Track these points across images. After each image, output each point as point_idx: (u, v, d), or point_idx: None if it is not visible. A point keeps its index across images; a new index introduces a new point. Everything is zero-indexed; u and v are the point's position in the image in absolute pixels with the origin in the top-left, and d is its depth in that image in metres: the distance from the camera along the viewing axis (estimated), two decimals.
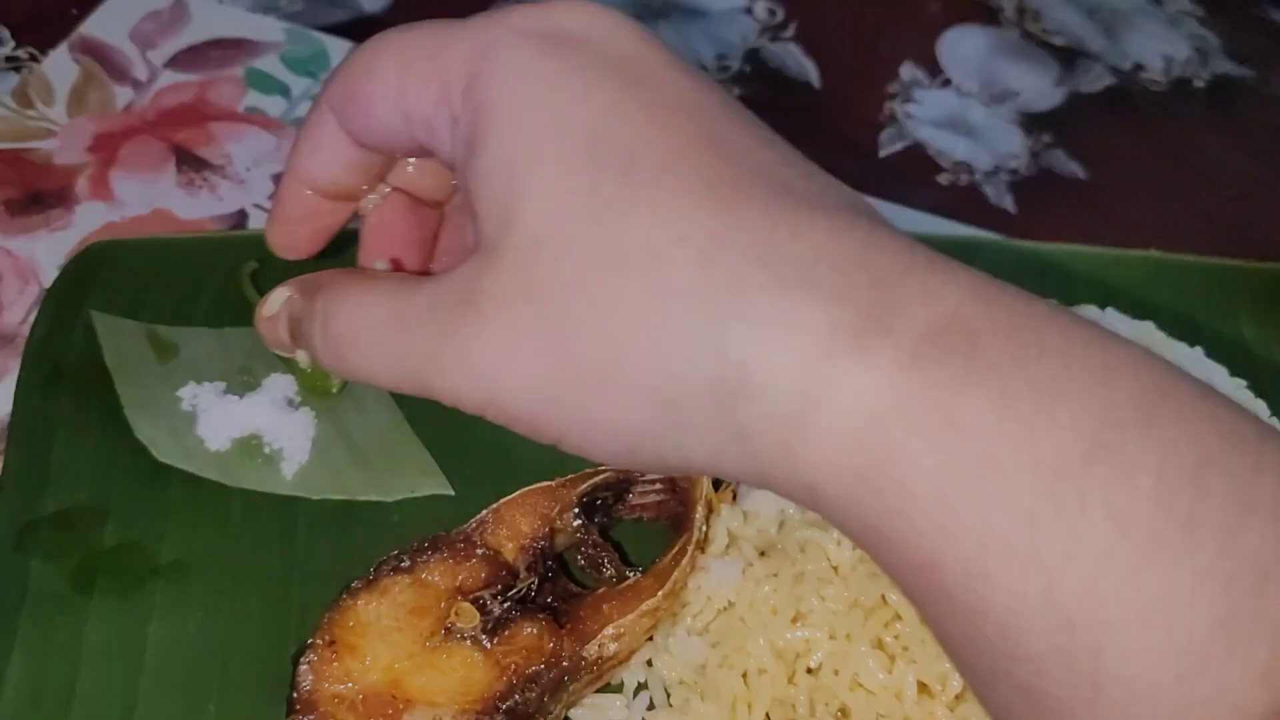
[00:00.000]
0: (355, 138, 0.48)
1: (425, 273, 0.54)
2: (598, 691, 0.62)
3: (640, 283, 0.38)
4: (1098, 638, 0.32)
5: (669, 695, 0.63)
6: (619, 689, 0.63)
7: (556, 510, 0.64)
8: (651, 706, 0.62)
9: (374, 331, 0.45)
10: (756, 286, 0.36)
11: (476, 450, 0.70)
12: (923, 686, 0.60)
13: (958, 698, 0.60)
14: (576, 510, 0.64)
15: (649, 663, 0.64)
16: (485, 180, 0.41)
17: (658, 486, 0.67)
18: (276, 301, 0.51)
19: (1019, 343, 0.34)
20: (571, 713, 0.61)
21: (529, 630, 0.59)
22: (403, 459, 0.69)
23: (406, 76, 0.44)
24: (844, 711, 0.60)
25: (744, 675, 0.62)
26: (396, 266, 0.53)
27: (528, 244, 0.39)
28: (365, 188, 0.52)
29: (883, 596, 0.61)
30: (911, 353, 0.34)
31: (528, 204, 0.39)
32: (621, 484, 0.66)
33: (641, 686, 0.63)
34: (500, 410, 0.41)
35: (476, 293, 0.40)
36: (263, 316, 0.51)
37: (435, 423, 0.71)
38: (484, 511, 0.63)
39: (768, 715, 0.61)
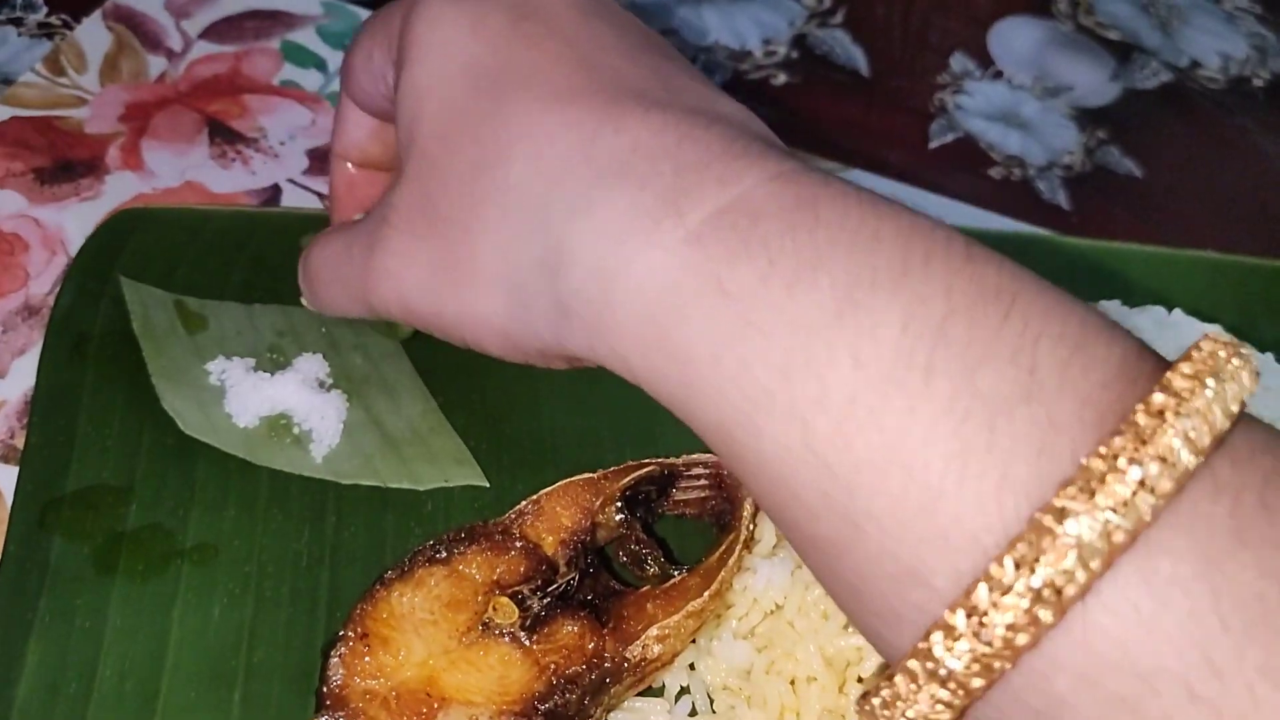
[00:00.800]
0: (362, 108, 0.56)
1: None
2: (638, 695, 0.60)
3: (489, 180, 0.43)
4: (850, 479, 0.34)
5: (712, 701, 0.60)
6: (660, 692, 0.60)
7: (599, 503, 0.61)
8: (694, 712, 0.60)
9: (329, 265, 0.54)
10: (576, 177, 0.40)
11: (511, 441, 0.68)
12: None
13: None
14: (619, 504, 0.62)
15: (691, 666, 0.61)
16: (399, 111, 0.48)
17: (703, 482, 0.65)
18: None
19: (796, 218, 0.36)
20: (611, 716, 0.58)
21: (569, 628, 0.56)
22: (436, 447, 0.66)
23: (372, 43, 0.52)
24: None
25: (792, 683, 0.59)
26: None
27: (420, 160, 0.46)
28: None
29: None
30: (696, 232, 0.37)
31: (421, 125, 0.46)
32: (666, 478, 0.63)
33: (684, 691, 0.61)
34: (410, 312, 0.48)
35: (389, 209, 0.48)
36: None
37: (470, 411, 0.69)
38: (523, 503, 0.61)
39: None
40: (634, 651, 0.56)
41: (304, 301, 0.60)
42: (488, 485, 0.65)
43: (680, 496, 0.65)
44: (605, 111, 0.41)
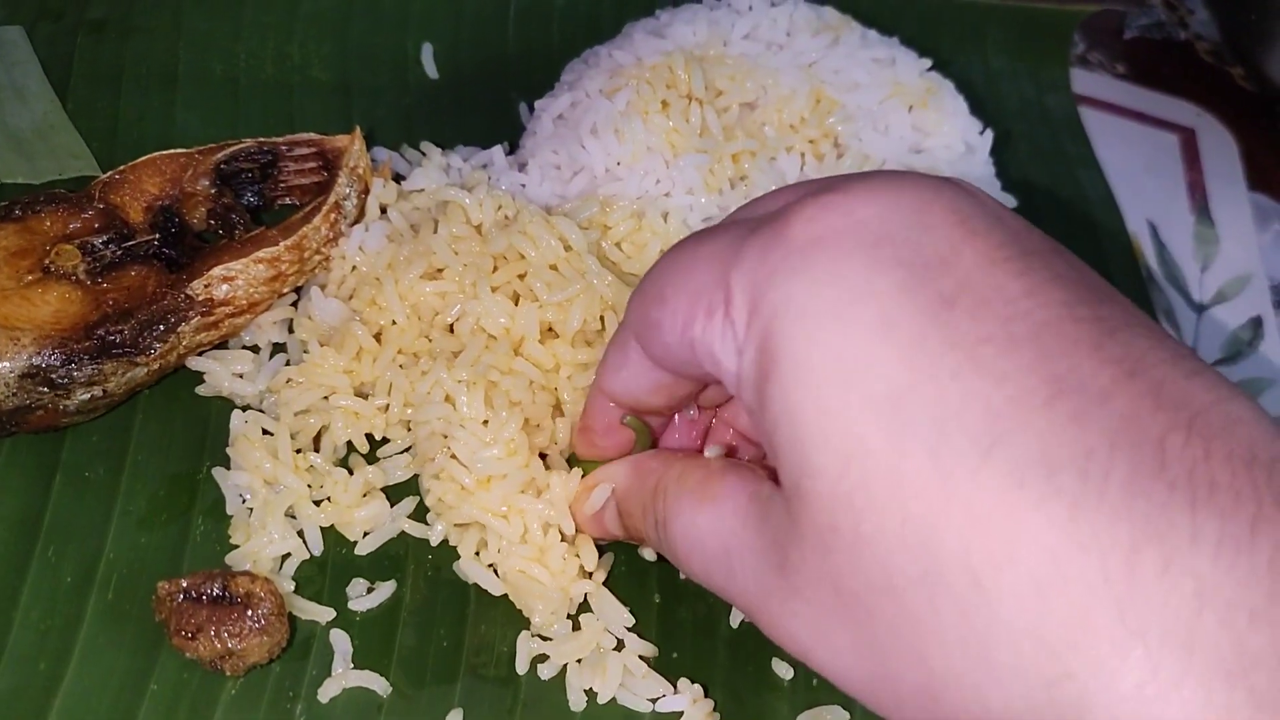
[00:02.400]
0: (657, 364, 0.45)
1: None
2: (230, 347, 0.62)
3: (958, 608, 0.31)
4: None
5: (306, 350, 0.62)
6: (254, 349, 0.62)
7: (190, 175, 0.63)
8: (289, 363, 0.62)
9: (706, 557, 0.43)
10: (1108, 640, 0.28)
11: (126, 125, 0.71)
12: (550, 329, 0.60)
13: (580, 334, 0.59)
14: (213, 178, 0.63)
15: (291, 329, 0.63)
16: (775, 430, 0.35)
17: (312, 164, 0.66)
18: (599, 499, 0.52)
19: None
20: (193, 361, 0.60)
21: (135, 272, 0.58)
22: (55, 144, 0.68)
23: (694, 304, 0.39)
24: (501, 369, 0.59)
25: (378, 333, 0.61)
26: (729, 452, 0.51)
27: (822, 525, 0.34)
28: (673, 406, 0.49)
29: (519, 253, 0.60)
30: None
31: (816, 481, 0.34)
32: (266, 154, 0.65)
33: (279, 348, 0.63)
34: (819, 669, 0.38)
35: (786, 561, 0.37)
36: (586, 514, 0.53)
37: (95, 117, 0.71)
38: (110, 172, 0.62)
39: (403, 368, 0.60)
40: (196, 288, 0.58)
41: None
42: (100, 174, 0.67)
43: (292, 182, 0.66)
44: (1129, 515, 0.29)
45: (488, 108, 0.77)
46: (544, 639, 0.55)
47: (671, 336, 0.40)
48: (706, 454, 0.50)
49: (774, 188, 0.66)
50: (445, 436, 0.55)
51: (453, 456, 0.55)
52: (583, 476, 0.55)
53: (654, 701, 0.54)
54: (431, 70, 0.78)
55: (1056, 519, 0.30)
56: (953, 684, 0.32)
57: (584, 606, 0.56)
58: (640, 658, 0.55)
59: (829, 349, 0.33)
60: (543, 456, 0.57)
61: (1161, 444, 0.30)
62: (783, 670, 0.56)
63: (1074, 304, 0.33)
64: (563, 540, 0.55)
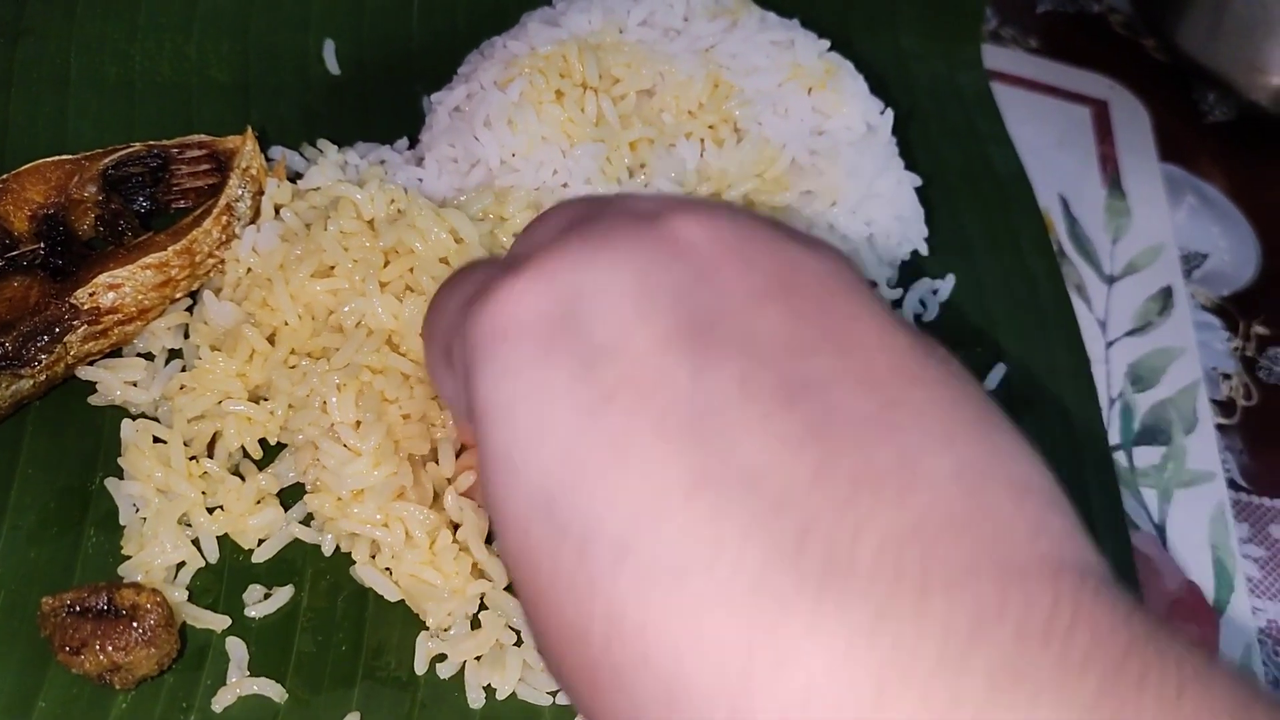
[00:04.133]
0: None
1: None
2: (124, 356, 0.61)
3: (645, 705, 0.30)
4: None
5: (200, 355, 0.61)
6: (150, 357, 0.61)
7: (76, 182, 0.62)
8: (185, 369, 0.61)
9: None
10: None
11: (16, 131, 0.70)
12: None
13: None
14: (100, 184, 0.62)
15: (186, 335, 0.62)
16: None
17: (205, 166, 0.65)
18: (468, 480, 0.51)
19: None
20: (83, 370, 0.59)
21: (18, 283, 0.57)
22: None
23: (433, 356, 0.39)
24: (373, 368, 0.58)
25: (272, 335, 0.61)
26: None
27: (517, 589, 0.34)
28: None
29: (409, 248, 0.60)
30: None
31: (505, 549, 0.33)
32: (155, 157, 0.64)
33: (174, 354, 0.62)
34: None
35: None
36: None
37: None
38: None
39: (295, 368, 0.59)
40: (81, 297, 0.57)
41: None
42: None
43: (185, 185, 0.65)
44: (754, 625, 0.28)
45: (392, 103, 0.76)
46: (442, 638, 0.55)
47: (435, 376, 0.40)
48: None
49: (673, 174, 0.67)
50: (316, 446, 0.55)
51: (324, 467, 0.54)
52: None
53: (554, 694, 0.54)
54: (334, 66, 0.77)
55: (684, 617, 0.29)
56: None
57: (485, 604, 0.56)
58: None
59: (498, 448, 0.33)
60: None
61: (804, 534, 0.28)
62: None
63: (752, 374, 0.31)
64: (454, 541, 0.54)
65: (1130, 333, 0.75)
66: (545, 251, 0.34)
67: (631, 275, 0.33)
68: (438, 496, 0.57)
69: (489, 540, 0.55)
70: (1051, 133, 0.85)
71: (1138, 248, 0.80)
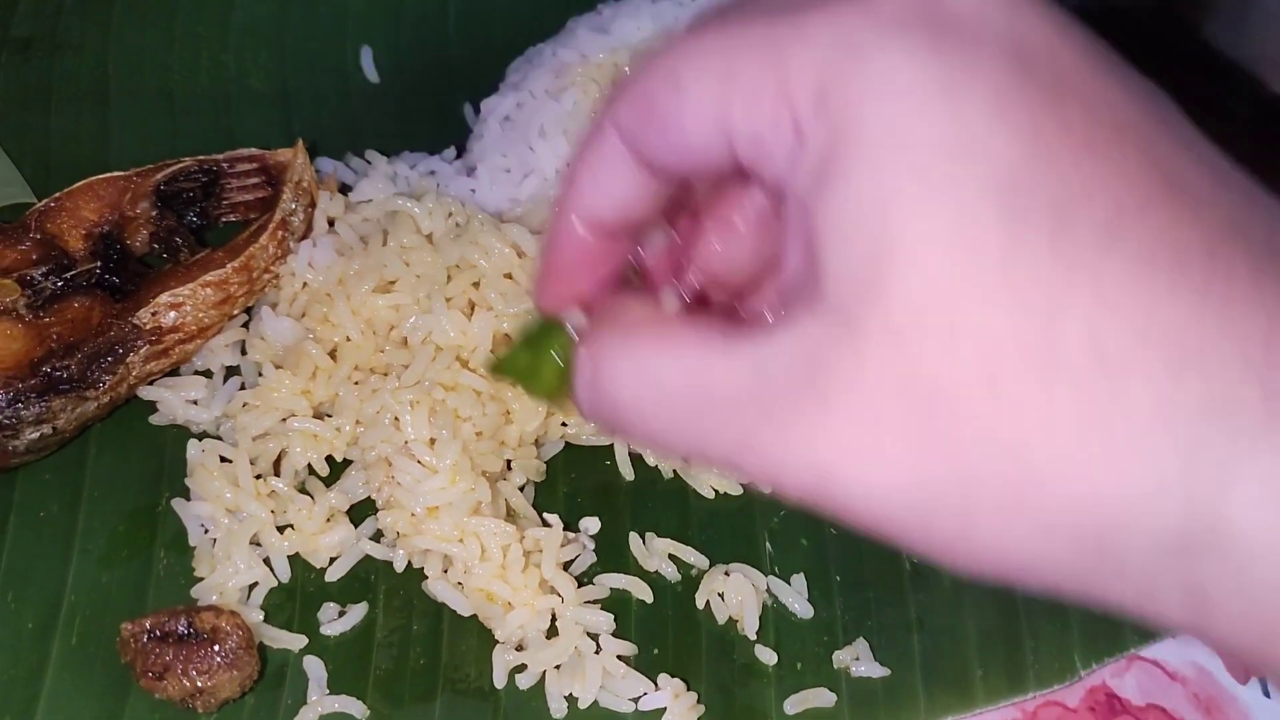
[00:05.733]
0: (650, 161, 0.37)
1: (731, 309, 0.42)
2: (182, 374, 0.60)
3: (1079, 395, 0.29)
4: None
5: (261, 373, 0.60)
6: (207, 374, 0.61)
7: (129, 198, 0.61)
8: (243, 387, 0.60)
9: (668, 405, 0.36)
10: (1253, 420, 0.28)
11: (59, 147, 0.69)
12: (505, 338, 0.59)
13: None
14: (154, 200, 0.62)
15: (244, 352, 0.62)
16: (843, 223, 0.31)
17: (255, 180, 0.65)
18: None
19: None
20: (144, 390, 0.59)
21: (79, 303, 0.57)
22: None
23: (729, 84, 0.34)
24: (445, 386, 0.58)
25: (333, 350, 0.60)
26: (696, 300, 0.40)
27: (907, 321, 0.30)
28: (649, 221, 0.40)
29: (471, 263, 0.60)
30: None
31: (910, 269, 0.30)
32: (207, 172, 0.63)
33: (232, 371, 0.61)
34: (840, 507, 0.33)
35: (825, 375, 0.31)
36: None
37: (28, 138, 0.69)
38: (45, 200, 0.60)
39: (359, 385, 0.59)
40: (143, 317, 0.56)
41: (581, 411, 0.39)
42: (35, 201, 0.65)
43: (235, 199, 0.65)
44: (1260, 296, 0.29)
45: (432, 110, 0.75)
46: (519, 649, 0.55)
47: (695, 125, 0.35)
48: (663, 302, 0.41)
49: None
50: (389, 464, 0.55)
51: (399, 484, 0.54)
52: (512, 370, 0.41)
53: (636, 700, 0.54)
54: (372, 74, 0.76)
55: (1190, 305, 0.28)
56: (1054, 475, 0.29)
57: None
58: (619, 658, 0.55)
59: (937, 124, 0.30)
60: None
61: (1269, 242, 0.29)
62: (766, 656, 0.56)
63: (1159, 111, 0.31)
64: (524, 556, 0.54)
65: None
66: None
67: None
68: (509, 512, 0.57)
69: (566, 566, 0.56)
70: None
71: None
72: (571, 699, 0.54)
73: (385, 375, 0.59)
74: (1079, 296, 0.29)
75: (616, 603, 0.56)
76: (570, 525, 0.58)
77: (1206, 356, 0.28)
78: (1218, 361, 0.28)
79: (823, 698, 0.55)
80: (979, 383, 0.30)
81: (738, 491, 0.60)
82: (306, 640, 0.54)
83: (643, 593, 0.57)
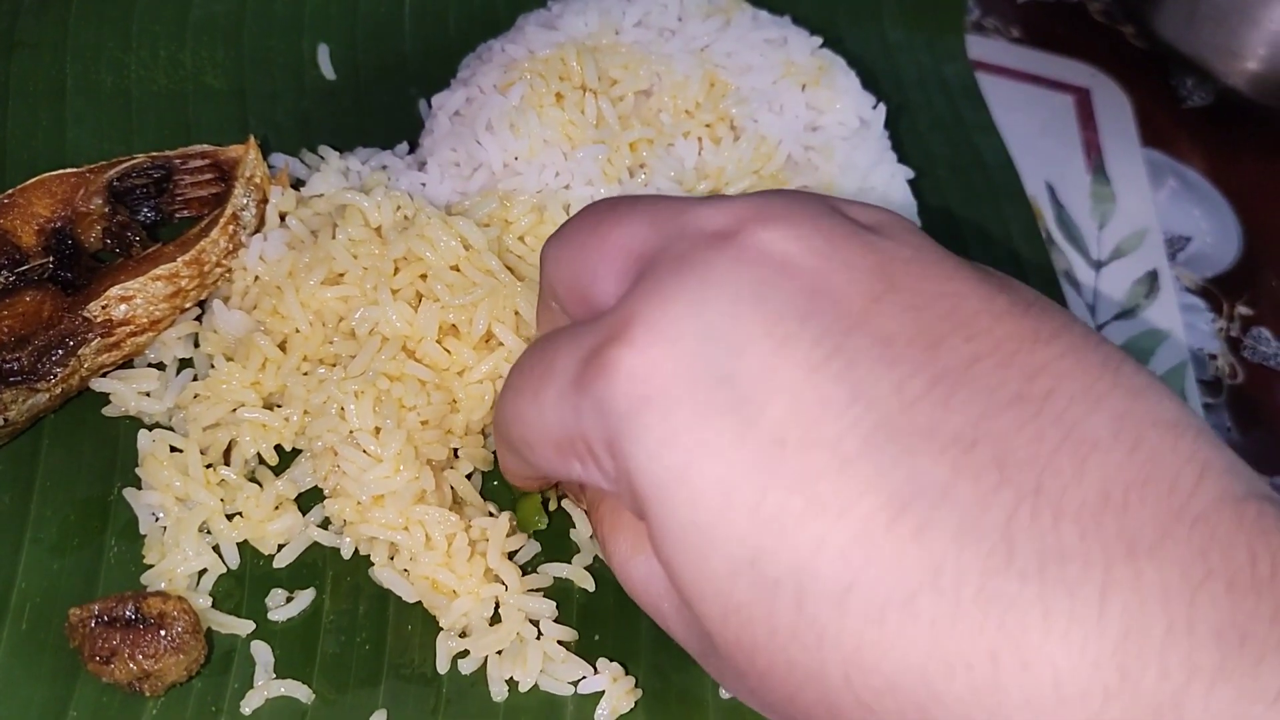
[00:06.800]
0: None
1: None
2: (136, 366, 0.61)
3: None
4: None
5: (213, 365, 0.61)
6: (161, 366, 0.62)
7: (82, 195, 0.62)
8: (196, 379, 0.61)
9: (642, 598, 0.43)
10: None
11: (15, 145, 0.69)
12: (451, 328, 0.60)
13: (484, 339, 0.60)
14: (106, 196, 0.62)
15: (196, 344, 0.63)
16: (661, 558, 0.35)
17: (208, 176, 0.66)
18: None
19: None
20: (97, 382, 0.60)
21: (30, 297, 0.58)
22: None
23: (561, 452, 0.37)
24: (390, 376, 0.59)
25: (283, 342, 0.61)
26: None
27: (723, 656, 0.35)
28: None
29: (419, 256, 0.61)
30: None
31: (706, 623, 0.34)
32: (159, 168, 0.64)
33: (185, 363, 0.62)
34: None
35: (709, 650, 0.38)
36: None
37: None
38: None
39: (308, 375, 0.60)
40: (94, 310, 0.57)
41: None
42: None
43: (188, 195, 0.66)
44: (990, 636, 0.29)
45: (388, 107, 0.76)
46: (463, 635, 0.56)
47: (550, 469, 0.40)
48: None
49: (672, 174, 0.68)
50: (335, 453, 0.56)
51: (344, 473, 0.55)
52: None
53: (575, 684, 0.55)
54: (329, 71, 0.77)
55: (922, 638, 0.29)
56: None
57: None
58: (560, 643, 0.56)
59: (683, 520, 0.32)
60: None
61: (1008, 530, 0.29)
62: None
63: (905, 381, 0.31)
64: (470, 545, 0.56)
65: (1118, 316, 0.77)
66: (644, 301, 0.33)
67: (750, 307, 0.32)
68: (455, 500, 0.59)
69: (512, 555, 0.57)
70: (1035, 121, 0.87)
71: (1123, 233, 0.82)
72: (512, 683, 0.55)
73: (333, 366, 0.60)
74: (829, 657, 0.31)
75: (559, 591, 0.58)
76: None
77: (939, 697, 0.30)
78: (950, 697, 0.30)
79: None
80: (788, 703, 0.34)
81: None
82: (254, 625, 0.55)
83: (585, 581, 0.58)
